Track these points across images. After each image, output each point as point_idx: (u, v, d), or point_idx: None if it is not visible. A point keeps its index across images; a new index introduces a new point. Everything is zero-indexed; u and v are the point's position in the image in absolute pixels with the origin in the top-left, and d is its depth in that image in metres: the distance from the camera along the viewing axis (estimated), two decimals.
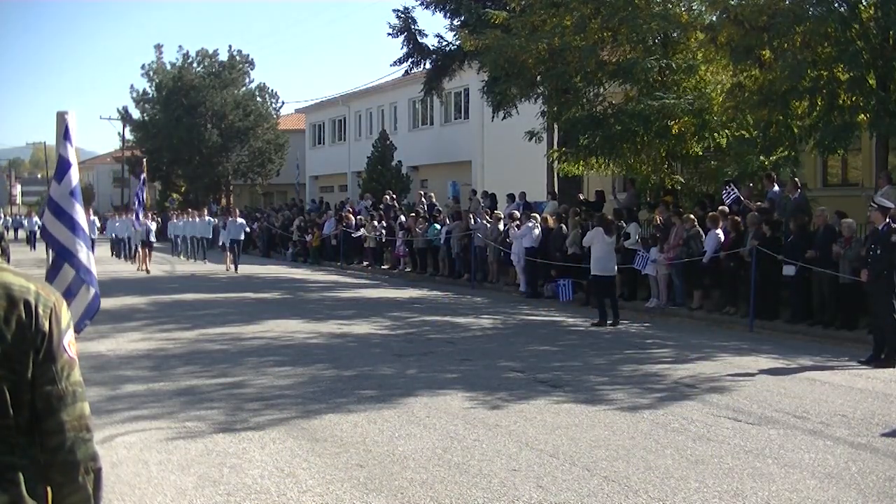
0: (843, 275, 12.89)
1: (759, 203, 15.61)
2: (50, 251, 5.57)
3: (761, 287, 14.10)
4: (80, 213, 5.50)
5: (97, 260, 24.30)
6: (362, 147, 39.39)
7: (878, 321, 10.85)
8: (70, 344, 2.26)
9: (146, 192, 26.97)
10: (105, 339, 12.32)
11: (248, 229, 29.17)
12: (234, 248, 26.38)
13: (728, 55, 15.51)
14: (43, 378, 2.18)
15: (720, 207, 16.09)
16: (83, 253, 5.46)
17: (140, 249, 26.42)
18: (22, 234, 46.86)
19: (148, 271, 25.51)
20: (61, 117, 5.47)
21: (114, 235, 33.61)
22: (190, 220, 32.16)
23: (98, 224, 34.47)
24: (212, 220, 32.11)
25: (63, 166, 5.46)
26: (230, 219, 27.65)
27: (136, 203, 25.44)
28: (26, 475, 2.15)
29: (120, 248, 32.59)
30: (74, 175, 5.50)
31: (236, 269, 26.02)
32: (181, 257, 32.22)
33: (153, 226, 27.66)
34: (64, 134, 5.44)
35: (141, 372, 9.88)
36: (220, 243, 28.55)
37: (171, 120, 46.76)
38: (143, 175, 25.60)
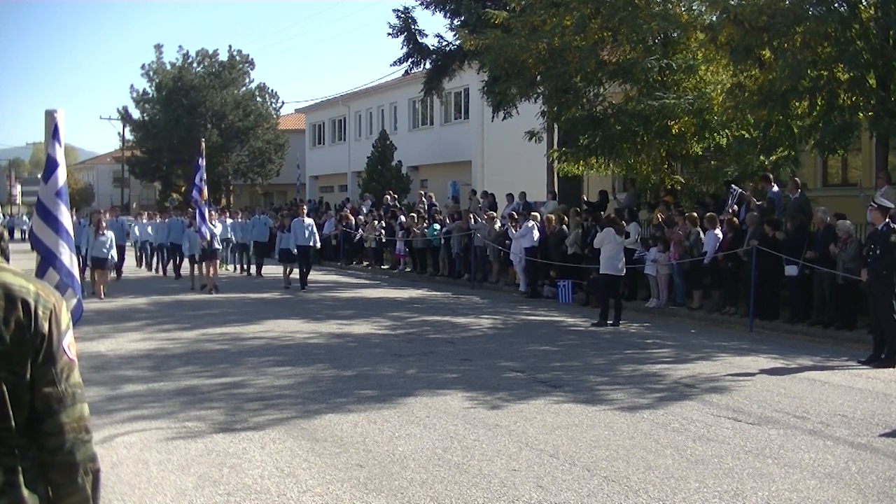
0: (840, 273, 12.89)
1: (759, 202, 15.61)
2: (36, 254, 5.44)
3: (761, 287, 14.11)
4: (65, 215, 5.36)
5: (126, 270, 22.46)
6: (362, 147, 39.41)
7: (878, 321, 10.85)
8: (70, 345, 2.25)
9: (204, 186, 19.03)
10: (105, 339, 12.36)
11: (317, 237, 21.01)
12: (302, 259, 20.29)
13: (728, 55, 15.51)
14: (42, 380, 2.18)
15: (728, 208, 16.06)
16: (66, 256, 5.31)
17: (201, 263, 19.68)
18: (25, 233, 46.11)
19: (215, 289, 19.19)
20: (50, 116, 5.33)
21: (141, 241, 26.42)
22: (240, 220, 25.52)
23: (128, 226, 25.50)
24: (268, 220, 25.25)
25: (51, 166, 5.34)
26: (296, 219, 20.82)
27: (196, 199, 18.94)
28: (26, 476, 2.15)
29: (152, 256, 26.00)
30: (61, 175, 5.37)
31: (303, 284, 20.12)
32: (226, 268, 25.12)
33: (218, 228, 20.33)
34: (53, 133, 5.31)
35: (141, 372, 9.89)
36: (278, 250, 21.63)
37: (171, 120, 46.77)
38: (202, 162, 19.02)
